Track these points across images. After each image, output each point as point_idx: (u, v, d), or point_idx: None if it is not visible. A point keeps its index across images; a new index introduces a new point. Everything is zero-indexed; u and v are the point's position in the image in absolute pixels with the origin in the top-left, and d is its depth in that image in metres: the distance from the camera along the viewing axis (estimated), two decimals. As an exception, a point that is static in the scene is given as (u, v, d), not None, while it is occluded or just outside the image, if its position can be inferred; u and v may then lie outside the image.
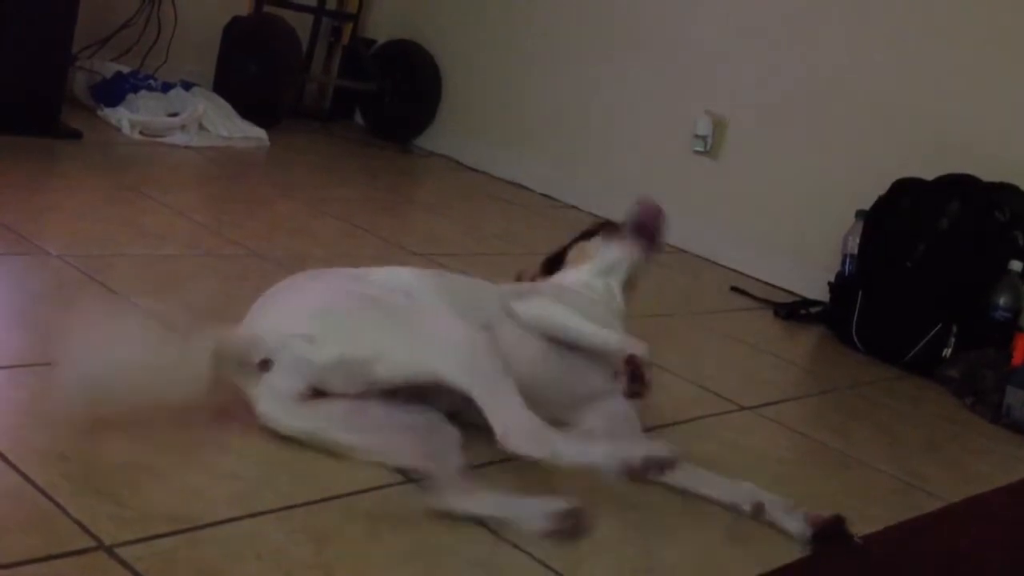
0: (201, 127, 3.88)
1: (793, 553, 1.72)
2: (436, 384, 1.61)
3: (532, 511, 1.52)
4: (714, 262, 3.82)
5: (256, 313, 1.75)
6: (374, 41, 4.86)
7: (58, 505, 1.38)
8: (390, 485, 1.62)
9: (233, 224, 2.96)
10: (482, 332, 1.65)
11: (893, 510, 1.99)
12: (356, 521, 1.51)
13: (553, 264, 2.14)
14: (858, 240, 3.22)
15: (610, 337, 1.83)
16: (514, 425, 1.52)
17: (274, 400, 1.63)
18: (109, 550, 1.32)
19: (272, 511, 1.48)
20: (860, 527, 1.86)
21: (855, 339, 3.13)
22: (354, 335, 1.64)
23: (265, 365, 1.63)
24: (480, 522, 1.53)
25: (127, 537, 1.34)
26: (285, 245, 2.87)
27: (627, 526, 1.69)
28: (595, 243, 2.08)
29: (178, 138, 3.75)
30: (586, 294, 2.01)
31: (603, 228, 2.10)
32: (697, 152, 3.91)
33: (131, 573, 1.29)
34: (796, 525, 1.71)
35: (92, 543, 1.33)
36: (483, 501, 1.54)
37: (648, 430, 2.11)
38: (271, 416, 1.64)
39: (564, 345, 1.85)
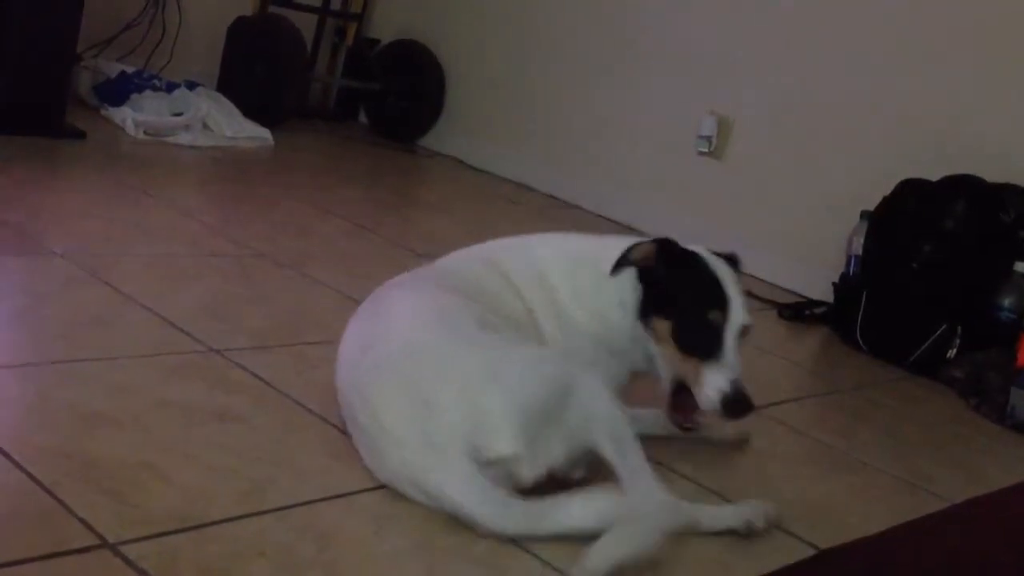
0: (205, 127, 3.88)
1: (796, 555, 1.72)
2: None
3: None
4: (718, 263, 3.81)
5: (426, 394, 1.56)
6: (378, 41, 4.86)
7: (62, 503, 1.38)
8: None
9: (237, 224, 2.96)
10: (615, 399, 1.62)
11: (897, 511, 1.99)
12: (359, 519, 1.51)
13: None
14: (863, 241, 3.22)
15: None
16: (650, 499, 1.55)
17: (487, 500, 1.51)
18: (113, 548, 1.32)
19: (276, 509, 1.48)
20: (864, 528, 1.86)
21: (859, 340, 3.13)
22: (550, 435, 1.56)
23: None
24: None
25: (131, 535, 1.34)
26: (289, 245, 2.87)
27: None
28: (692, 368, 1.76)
29: (182, 138, 3.76)
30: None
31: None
32: (701, 153, 3.91)
33: (135, 571, 1.29)
34: None
35: (96, 541, 1.33)
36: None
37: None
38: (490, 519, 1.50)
39: None
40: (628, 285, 1.79)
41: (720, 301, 1.73)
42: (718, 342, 1.71)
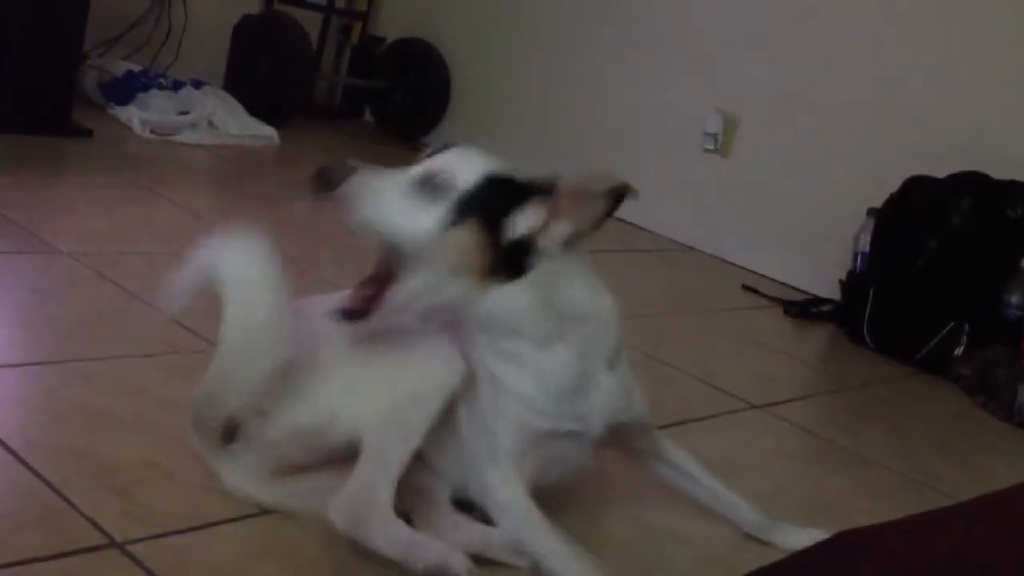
0: (211, 125, 3.88)
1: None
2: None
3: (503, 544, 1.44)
4: (725, 260, 3.81)
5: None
6: (383, 39, 4.86)
7: (69, 502, 1.38)
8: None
9: (243, 222, 2.95)
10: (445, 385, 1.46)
11: (904, 508, 1.97)
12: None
13: None
14: (869, 238, 3.21)
15: None
16: (349, 493, 1.38)
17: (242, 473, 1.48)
18: (121, 547, 1.32)
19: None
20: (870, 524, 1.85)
21: (866, 337, 3.12)
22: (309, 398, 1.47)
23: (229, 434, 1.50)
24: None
25: (139, 534, 1.35)
26: (296, 244, 2.87)
27: (637, 526, 1.69)
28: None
29: (188, 136, 3.76)
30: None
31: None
32: (707, 150, 3.91)
33: (143, 570, 1.29)
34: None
35: (104, 540, 1.33)
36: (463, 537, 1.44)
37: (659, 428, 2.11)
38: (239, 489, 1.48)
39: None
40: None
41: None
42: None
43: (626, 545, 1.61)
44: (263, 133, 4.01)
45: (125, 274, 2.27)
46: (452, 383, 1.46)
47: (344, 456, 1.44)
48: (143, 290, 2.16)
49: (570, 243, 1.45)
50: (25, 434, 1.47)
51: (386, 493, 1.38)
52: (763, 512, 1.72)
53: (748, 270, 3.73)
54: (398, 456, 1.41)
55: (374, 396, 1.44)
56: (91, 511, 1.37)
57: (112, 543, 1.33)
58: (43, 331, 1.94)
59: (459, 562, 1.34)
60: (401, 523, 1.37)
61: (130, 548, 1.32)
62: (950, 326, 2.98)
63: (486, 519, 1.48)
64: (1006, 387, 2.72)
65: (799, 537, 1.67)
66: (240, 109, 4.02)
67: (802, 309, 3.34)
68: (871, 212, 3.25)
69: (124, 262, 2.37)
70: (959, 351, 2.97)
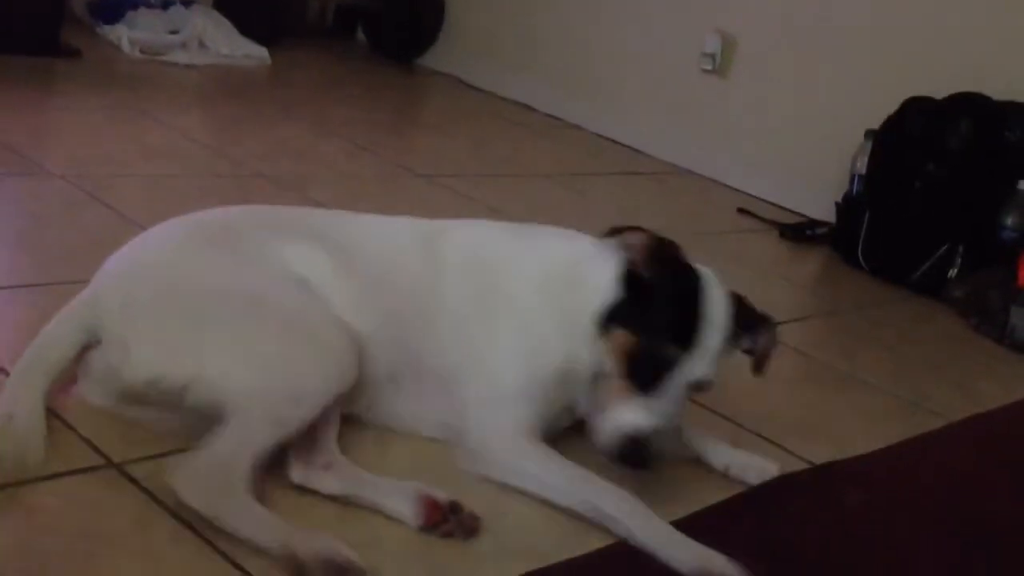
0: (201, 45, 3.82)
1: (796, 471, 1.73)
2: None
3: (401, 493, 1.36)
4: (721, 183, 3.79)
5: (99, 278, 1.47)
6: (377, -43, 4.76)
7: (67, 423, 1.39)
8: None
9: (236, 144, 2.93)
10: (341, 359, 1.40)
11: (897, 429, 2.01)
12: (364, 435, 1.53)
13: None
14: (867, 160, 3.19)
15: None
16: (203, 462, 1.25)
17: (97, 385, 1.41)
18: (119, 468, 1.34)
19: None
20: (864, 446, 1.87)
21: (861, 260, 3.12)
22: (177, 348, 1.35)
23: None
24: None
25: (136, 455, 1.36)
26: (288, 166, 2.85)
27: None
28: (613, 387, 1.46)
29: (178, 56, 3.71)
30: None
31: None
32: (705, 71, 3.86)
33: (140, 490, 1.30)
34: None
35: (102, 461, 1.34)
36: (344, 479, 1.37)
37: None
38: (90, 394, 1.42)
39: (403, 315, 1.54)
40: (603, 276, 1.49)
41: (686, 338, 1.42)
42: (660, 379, 1.41)
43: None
44: (254, 53, 3.96)
45: (117, 196, 2.25)
46: (339, 389, 1.40)
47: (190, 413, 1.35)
48: (136, 212, 2.15)
49: None
50: (20, 357, 1.47)
51: (245, 467, 1.26)
52: (699, 431, 1.70)
53: (744, 193, 3.71)
54: (265, 441, 1.30)
55: (253, 375, 1.34)
56: (88, 432, 1.38)
57: (110, 463, 1.34)
58: (36, 254, 1.93)
59: (346, 553, 1.20)
60: (263, 509, 1.24)
61: (128, 468, 1.34)
62: (945, 248, 2.98)
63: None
64: (999, 309, 2.73)
65: (735, 459, 1.66)
66: (231, 28, 3.96)
67: (797, 232, 3.34)
68: (869, 134, 3.22)
69: (116, 184, 2.35)
70: (953, 273, 2.97)
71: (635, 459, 1.40)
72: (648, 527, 1.39)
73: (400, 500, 1.35)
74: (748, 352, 1.56)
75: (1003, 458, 1.97)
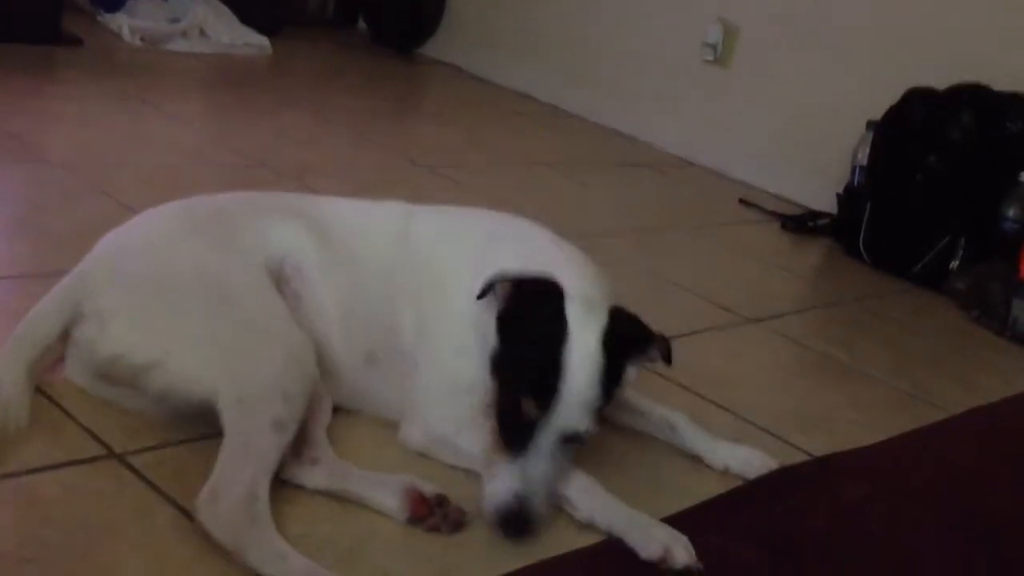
0: (203, 34, 3.82)
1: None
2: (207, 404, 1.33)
3: (388, 487, 1.35)
4: (723, 174, 3.79)
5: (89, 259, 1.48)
6: (378, -55, 4.75)
7: (68, 414, 1.39)
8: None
9: (236, 133, 2.93)
10: (299, 359, 1.37)
11: (897, 421, 2.01)
12: (359, 429, 1.53)
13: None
14: (868, 151, 3.19)
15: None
16: (226, 495, 1.21)
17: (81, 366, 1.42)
18: (120, 458, 1.34)
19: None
20: (864, 438, 1.88)
21: (862, 251, 3.12)
22: (150, 327, 1.36)
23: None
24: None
25: (136, 446, 1.36)
26: (290, 155, 2.85)
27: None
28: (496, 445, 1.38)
29: (179, 45, 3.70)
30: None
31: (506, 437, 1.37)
32: (707, 61, 3.85)
33: (141, 480, 1.30)
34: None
35: (103, 451, 1.34)
36: (332, 474, 1.37)
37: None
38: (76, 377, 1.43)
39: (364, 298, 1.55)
40: (490, 320, 1.41)
41: (542, 388, 1.32)
42: (525, 438, 1.32)
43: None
44: (255, 42, 3.95)
45: (118, 186, 2.25)
46: (315, 375, 1.39)
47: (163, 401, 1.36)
48: (135, 201, 2.14)
49: None
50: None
51: (263, 495, 1.23)
52: (698, 427, 1.69)
53: (746, 184, 3.71)
54: (274, 453, 1.28)
55: (216, 369, 1.33)
56: (89, 422, 1.38)
57: (111, 454, 1.34)
58: (37, 243, 1.93)
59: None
60: (286, 546, 1.20)
61: (129, 459, 1.34)
62: (946, 240, 2.98)
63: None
64: (1000, 301, 2.73)
65: (734, 455, 1.65)
66: (232, 17, 3.95)
67: (799, 223, 3.33)
68: (871, 125, 3.21)
69: (116, 173, 2.35)
70: (955, 265, 2.97)
71: (512, 530, 1.31)
72: (608, 510, 1.39)
73: (387, 494, 1.35)
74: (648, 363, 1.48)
75: (1004, 451, 1.97)
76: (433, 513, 1.34)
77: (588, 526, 1.40)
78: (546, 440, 1.32)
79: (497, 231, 1.62)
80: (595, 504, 1.40)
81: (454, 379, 1.48)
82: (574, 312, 1.36)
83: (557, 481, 1.37)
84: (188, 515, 1.24)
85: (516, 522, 1.31)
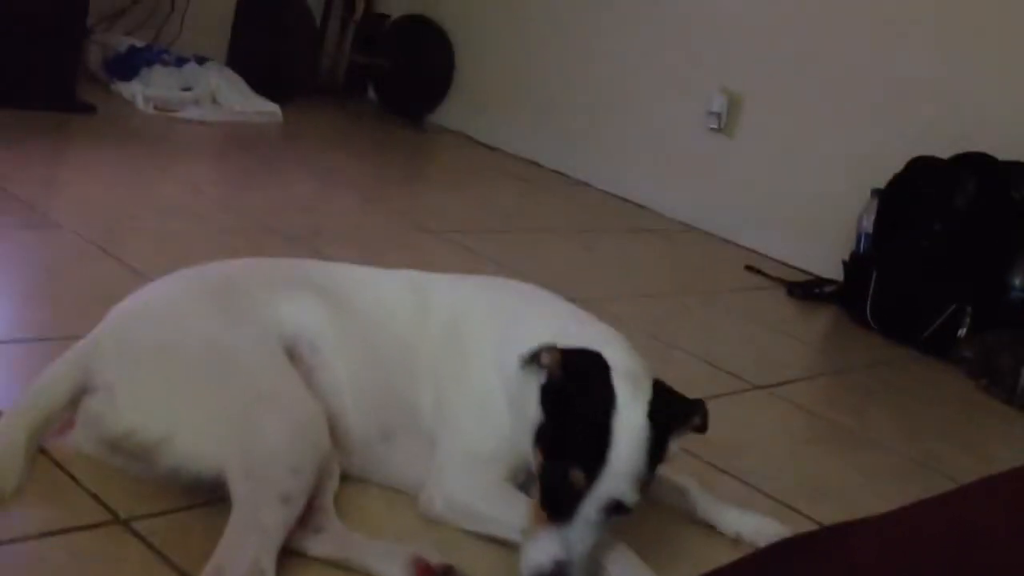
0: (215, 101, 3.87)
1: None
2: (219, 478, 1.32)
3: (392, 557, 1.34)
4: (728, 240, 3.81)
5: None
6: (388, 16, 4.83)
7: (74, 478, 1.38)
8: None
9: (247, 199, 2.96)
10: (310, 432, 1.37)
11: (906, 490, 1.99)
12: (369, 495, 1.52)
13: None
14: (873, 218, 3.20)
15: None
16: (231, 570, 1.20)
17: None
18: (125, 524, 1.33)
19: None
20: (872, 507, 1.85)
21: (869, 318, 3.12)
22: (159, 403, 1.36)
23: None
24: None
25: (142, 511, 1.35)
26: (299, 220, 2.87)
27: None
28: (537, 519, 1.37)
29: (192, 112, 3.75)
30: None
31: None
32: (712, 129, 3.89)
33: (147, 546, 1.30)
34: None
35: (108, 516, 1.33)
36: (336, 541, 1.36)
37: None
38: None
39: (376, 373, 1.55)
40: (531, 391, 1.41)
41: (590, 458, 1.32)
42: (571, 507, 1.32)
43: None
44: (266, 109, 4.00)
45: (128, 250, 2.27)
46: (316, 461, 1.36)
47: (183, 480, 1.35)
48: (147, 265, 2.16)
49: None
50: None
51: (269, 570, 1.22)
52: (709, 495, 1.69)
53: (752, 250, 3.73)
54: (280, 528, 1.27)
55: (227, 445, 1.32)
56: (95, 487, 1.37)
57: (116, 519, 1.33)
58: (47, 307, 1.94)
59: None
60: None
61: (134, 525, 1.33)
62: (953, 308, 2.98)
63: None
64: (1009, 370, 2.72)
65: (745, 523, 1.65)
66: (243, 85, 4.01)
67: (805, 290, 3.34)
68: (875, 192, 3.24)
69: (127, 238, 2.37)
70: (962, 333, 2.96)
71: None
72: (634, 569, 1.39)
73: (392, 563, 1.33)
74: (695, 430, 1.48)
75: (1013, 518, 1.95)
76: None
77: None
78: (591, 509, 1.32)
79: (520, 304, 1.62)
80: (626, 571, 1.39)
81: (477, 449, 1.47)
82: (621, 385, 1.36)
83: (597, 552, 1.36)
84: (193, 582, 1.23)
85: None
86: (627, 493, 1.33)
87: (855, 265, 3.24)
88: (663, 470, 1.67)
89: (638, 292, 3.05)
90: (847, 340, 3.07)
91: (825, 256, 3.49)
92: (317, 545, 1.35)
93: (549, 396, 1.39)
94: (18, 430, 1.35)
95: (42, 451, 1.40)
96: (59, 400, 1.39)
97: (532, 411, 1.40)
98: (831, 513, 1.80)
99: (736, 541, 1.63)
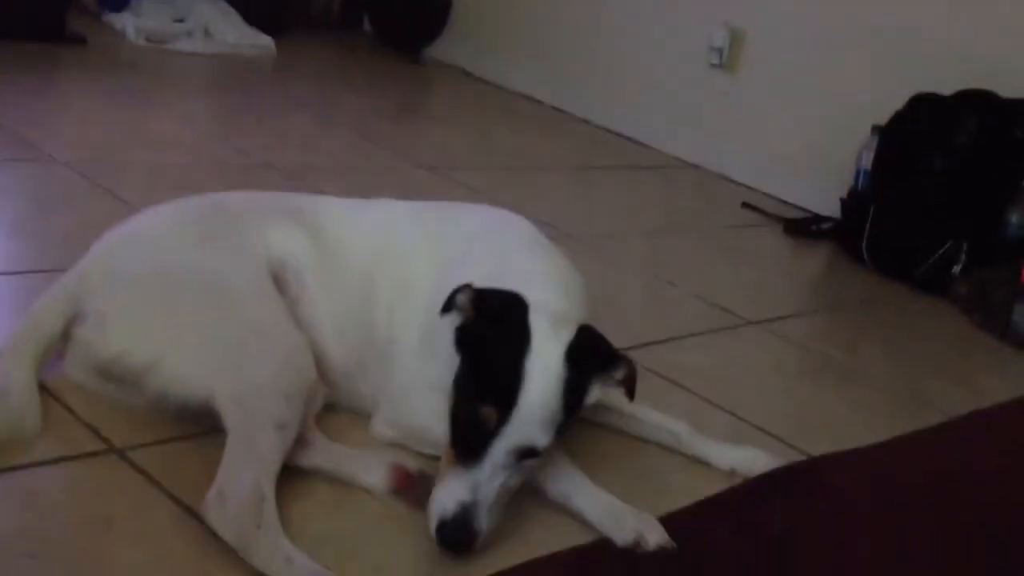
0: (207, 33, 3.83)
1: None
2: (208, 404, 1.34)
3: (374, 465, 1.39)
4: (727, 178, 3.79)
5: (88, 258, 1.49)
6: (383, -53, 4.75)
7: (69, 409, 1.39)
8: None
9: (241, 133, 2.94)
10: (297, 362, 1.40)
11: (897, 424, 2.00)
12: (346, 420, 1.53)
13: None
14: (872, 155, 3.19)
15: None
16: (233, 496, 1.21)
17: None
18: (120, 453, 1.34)
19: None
20: (863, 440, 1.87)
21: (865, 255, 3.12)
22: (148, 328, 1.37)
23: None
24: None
25: (137, 441, 1.36)
26: (294, 156, 2.85)
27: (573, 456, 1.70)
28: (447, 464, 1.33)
29: (184, 45, 3.71)
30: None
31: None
32: (713, 65, 3.85)
33: (141, 474, 1.31)
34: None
35: (103, 446, 1.35)
36: (321, 453, 1.39)
37: (655, 344, 2.13)
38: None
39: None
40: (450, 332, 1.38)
41: (499, 398, 1.28)
42: (480, 448, 1.28)
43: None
44: (260, 42, 3.95)
45: (121, 184, 2.26)
46: (312, 377, 1.41)
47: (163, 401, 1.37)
48: (138, 199, 2.15)
49: None
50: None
51: (270, 495, 1.24)
52: (695, 429, 1.69)
53: (750, 187, 3.71)
54: (278, 454, 1.29)
55: (214, 370, 1.34)
56: (90, 418, 1.38)
57: (112, 449, 1.35)
58: (40, 240, 1.94)
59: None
60: (292, 548, 1.19)
61: (129, 454, 1.34)
62: (949, 245, 2.97)
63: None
64: (1003, 306, 2.73)
65: (735, 456, 1.65)
66: (237, 17, 3.96)
67: (802, 227, 3.33)
68: (875, 130, 3.22)
69: (119, 171, 2.36)
70: (957, 270, 2.96)
71: (449, 538, 1.26)
72: (583, 495, 1.40)
73: (373, 472, 1.38)
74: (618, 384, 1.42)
75: (1003, 451, 1.97)
76: (415, 487, 1.36)
77: (561, 508, 1.41)
78: (500, 452, 1.27)
79: (478, 236, 1.59)
80: (571, 487, 1.41)
81: (420, 377, 1.48)
82: (539, 326, 1.32)
83: (506, 497, 1.32)
84: (188, 510, 1.25)
85: (456, 531, 1.26)
86: (537, 436, 1.29)
87: (853, 202, 3.23)
88: (655, 415, 1.68)
89: (635, 229, 3.04)
90: (842, 277, 3.07)
91: (823, 194, 3.47)
92: (305, 458, 1.38)
93: (464, 338, 1.35)
94: (25, 368, 1.35)
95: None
96: (55, 331, 1.40)
97: (451, 352, 1.36)
98: (821, 446, 1.81)
99: (727, 474, 1.64)
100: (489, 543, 1.30)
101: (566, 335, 1.33)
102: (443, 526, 1.26)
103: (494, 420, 1.27)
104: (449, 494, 1.27)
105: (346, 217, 1.64)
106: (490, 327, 1.33)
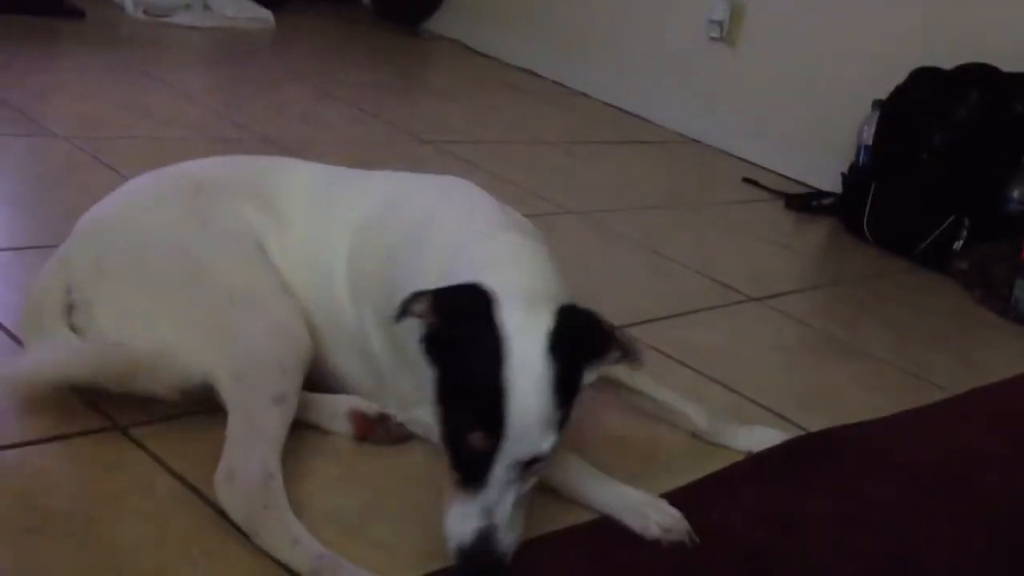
0: (206, 7, 3.81)
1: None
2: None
3: (334, 411, 1.43)
4: (727, 152, 3.77)
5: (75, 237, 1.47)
6: (382, -81, 4.72)
7: (71, 387, 1.39)
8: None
9: (240, 107, 2.92)
10: (290, 329, 1.38)
11: (897, 400, 2.01)
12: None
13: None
14: (874, 130, 3.17)
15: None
16: (241, 474, 1.22)
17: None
18: (123, 430, 1.34)
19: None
20: (863, 416, 1.88)
21: (866, 231, 3.11)
22: (138, 316, 1.36)
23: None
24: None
25: (138, 418, 1.36)
26: (293, 130, 2.84)
27: (585, 437, 1.71)
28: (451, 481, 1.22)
29: (182, 18, 3.69)
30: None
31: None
32: (713, 38, 3.83)
33: (144, 452, 1.31)
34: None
35: (106, 423, 1.35)
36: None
37: (656, 320, 2.12)
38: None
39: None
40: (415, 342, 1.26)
41: (487, 418, 1.16)
42: (481, 471, 1.17)
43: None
44: (259, 15, 3.93)
45: (120, 158, 2.25)
46: (308, 343, 1.39)
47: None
48: (137, 173, 2.13)
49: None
50: (20, 315, 1.47)
51: (277, 472, 1.24)
52: (714, 414, 1.68)
53: (750, 162, 3.70)
54: (279, 427, 1.29)
55: (210, 349, 1.33)
56: (92, 395, 1.38)
57: (114, 426, 1.35)
58: (39, 215, 1.93)
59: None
60: (300, 528, 1.19)
61: (131, 431, 1.34)
62: (950, 220, 2.97)
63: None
64: (1004, 281, 2.72)
65: (751, 437, 1.65)
66: (235, -10, 3.93)
67: (803, 202, 3.32)
68: (876, 104, 3.20)
69: (119, 146, 2.35)
70: (958, 245, 2.96)
71: (477, 567, 1.17)
72: (599, 490, 1.39)
73: (334, 416, 1.44)
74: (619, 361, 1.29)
75: (1005, 431, 1.97)
76: (375, 431, 1.43)
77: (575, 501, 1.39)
78: (502, 470, 1.17)
79: (430, 213, 1.47)
80: (584, 483, 1.39)
81: (408, 391, 1.43)
82: (512, 318, 1.18)
83: (524, 502, 1.23)
84: (189, 486, 1.25)
85: (481, 561, 1.16)
86: (538, 444, 1.18)
87: (854, 177, 3.22)
88: (663, 393, 1.67)
89: (635, 204, 3.03)
90: (843, 252, 3.06)
91: (824, 169, 3.46)
92: None
93: (432, 348, 1.22)
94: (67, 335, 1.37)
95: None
96: (58, 310, 1.39)
97: (421, 363, 1.25)
98: (822, 423, 1.81)
99: (724, 449, 1.64)
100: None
101: (544, 322, 1.20)
102: (465, 557, 1.17)
103: (487, 444, 1.16)
104: (462, 521, 1.17)
105: (312, 188, 1.57)
106: (458, 333, 1.20)
